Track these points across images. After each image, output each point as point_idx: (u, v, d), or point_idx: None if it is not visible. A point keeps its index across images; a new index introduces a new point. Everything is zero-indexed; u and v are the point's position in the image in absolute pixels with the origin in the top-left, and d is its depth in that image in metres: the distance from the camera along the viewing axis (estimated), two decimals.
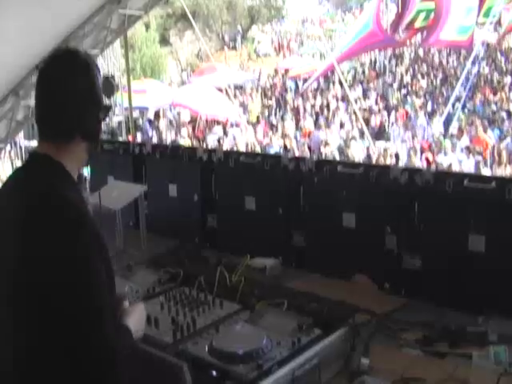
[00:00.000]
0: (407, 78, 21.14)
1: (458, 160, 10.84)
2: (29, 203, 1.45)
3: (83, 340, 1.36)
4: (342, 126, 15.18)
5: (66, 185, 1.52)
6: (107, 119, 1.84)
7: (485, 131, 12.70)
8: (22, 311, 1.41)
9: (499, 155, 10.82)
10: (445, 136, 12.87)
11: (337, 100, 18.83)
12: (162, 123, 17.28)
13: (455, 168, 10.28)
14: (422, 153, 11.82)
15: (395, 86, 20.39)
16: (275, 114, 18.50)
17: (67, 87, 1.53)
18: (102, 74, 1.63)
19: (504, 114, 14.31)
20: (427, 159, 11.02)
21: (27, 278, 1.39)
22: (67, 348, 1.36)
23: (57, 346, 1.37)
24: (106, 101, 1.65)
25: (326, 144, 12.98)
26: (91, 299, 1.38)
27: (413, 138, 13.27)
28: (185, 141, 14.48)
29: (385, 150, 11.51)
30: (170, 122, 17.99)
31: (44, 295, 1.37)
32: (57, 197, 1.46)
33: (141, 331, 1.66)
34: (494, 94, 17.19)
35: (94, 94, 1.56)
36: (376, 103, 18.06)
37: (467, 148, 11.41)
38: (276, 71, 25.33)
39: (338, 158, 11.40)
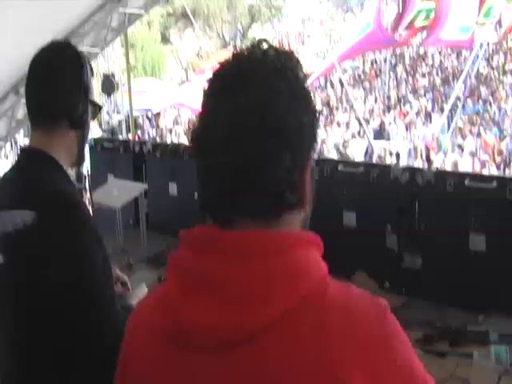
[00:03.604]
0: (407, 78, 21.13)
1: (458, 160, 10.84)
2: (21, 197, 1.45)
3: (96, 331, 1.37)
4: (341, 125, 15.18)
5: (56, 176, 1.51)
6: (103, 117, 1.80)
7: (484, 131, 12.71)
8: (22, 311, 1.41)
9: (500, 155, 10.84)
10: (445, 135, 12.86)
11: (336, 99, 18.84)
12: (163, 122, 17.27)
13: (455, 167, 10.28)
14: (422, 152, 11.82)
15: (395, 85, 20.38)
16: None
17: (53, 69, 1.55)
18: (91, 68, 1.62)
19: (503, 114, 14.33)
20: (428, 158, 11.03)
21: (28, 279, 1.38)
22: (77, 341, 1.37)
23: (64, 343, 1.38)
24: (94, 98, 1.63)
25: (324, 143, 12.99)
26: (98, 293, 1.40)
27: (413, 137, 13.28)
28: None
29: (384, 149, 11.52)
30: (171, 120, 17.99)
31: (46, 293, 1.37)
32: (49, 189, 1.45)
33: None
34: (494, 93, 17.19)
35: (81, 80, 1.55)
36: (376, 102, 18.06)
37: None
38: None
39: (336, 157, 11.42)
